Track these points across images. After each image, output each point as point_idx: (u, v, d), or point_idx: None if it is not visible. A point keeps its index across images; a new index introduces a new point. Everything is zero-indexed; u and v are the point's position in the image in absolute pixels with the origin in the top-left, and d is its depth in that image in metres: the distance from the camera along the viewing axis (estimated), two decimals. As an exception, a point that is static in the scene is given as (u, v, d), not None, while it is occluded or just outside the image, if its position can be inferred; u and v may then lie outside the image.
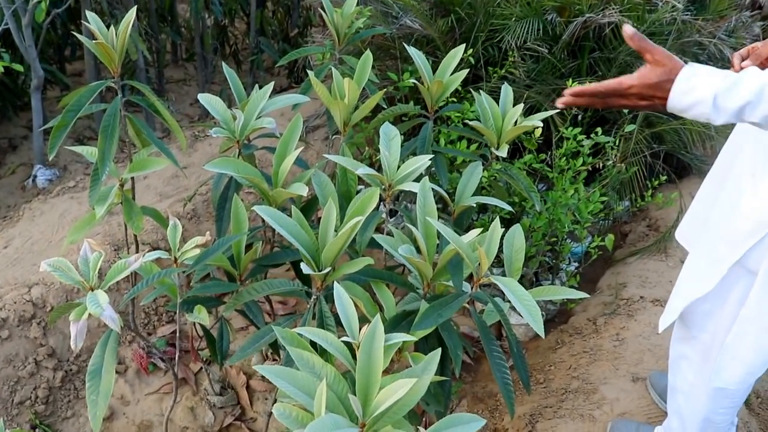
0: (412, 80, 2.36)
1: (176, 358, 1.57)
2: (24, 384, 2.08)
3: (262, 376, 2.29)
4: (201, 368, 2.24)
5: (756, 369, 1.43)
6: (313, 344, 1.38)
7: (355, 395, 1.15)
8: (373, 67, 2.29)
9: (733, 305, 1.41)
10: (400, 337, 1.25)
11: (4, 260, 2.33)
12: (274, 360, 2.30)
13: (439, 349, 1.26)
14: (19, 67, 2.55)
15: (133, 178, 1.88)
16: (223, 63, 2.22)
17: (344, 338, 1.25)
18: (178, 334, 1.61)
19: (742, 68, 1.29)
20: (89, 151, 1.83)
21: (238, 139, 2.01)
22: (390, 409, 1.14)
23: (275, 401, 1.89)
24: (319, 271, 1.44)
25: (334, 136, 2.08)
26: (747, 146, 1.42)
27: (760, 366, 1.43)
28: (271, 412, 1.90)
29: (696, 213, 1.66)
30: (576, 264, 2.83)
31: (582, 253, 2.86)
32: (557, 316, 2.71)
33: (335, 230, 1.51)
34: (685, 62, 1.16)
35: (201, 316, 1.68)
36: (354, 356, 1.25)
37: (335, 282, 1.32)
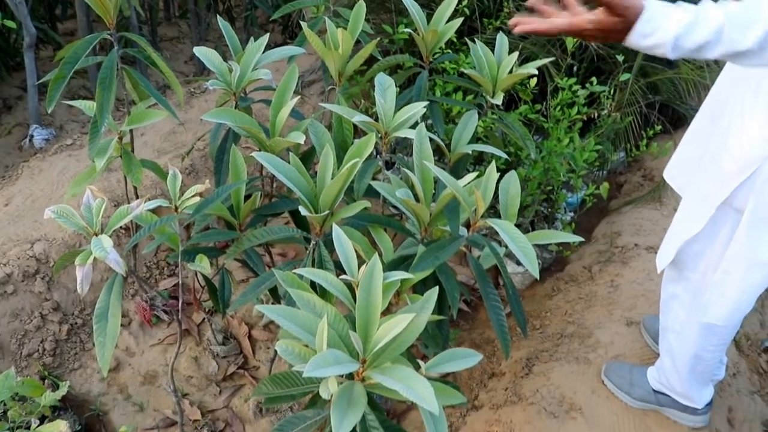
0: (408, 30, 2.35)
1: (180, 308, 1.60)
2: (31, 337, 2.12)
3: (264, 326, 2.33)
4: (204, 319, 2.28)
5: (742, 305, 1.47)
6: (314, 287, 1.42)
7: (355, 332, 1.18)
8: (368, 20, 2.28)
9: (722, 244, 1.44)
10: (397, 275, 1.29)
11: (6, 218, 2.35)
12: (275, 310, 2.34)
13: (437, 288, 1.29)
14: (12, 24, 2.54)
15: (131, 132, 1.90)
16: (218, 17, 2.22)
17: (343, 277, 1.28)
18: (181, 284, 1.64)
19: None
20: (87, 105, 1.84)
21: (234, 92, 2.02)
22: (389, 344, 1.18)
23: (273, 358, 1.94)
24: (318, 214, 1.46)
25: (329, 89, 2.08)
26: (734, 87, 1.44)
27: (746, 302, 1.46)
28: (273, 359, 1.95)
29: (684, 153, 1.67)
30: (571, 214, 2.86)
31: (577, 203, 2.88)
32: (553, 264, 2.75)
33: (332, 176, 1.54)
34: None
35: (203, 264, 1.70)
36: (354, 297, 1.29)
37: (334, 224, 1.35)
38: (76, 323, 2.21)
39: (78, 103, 1.82)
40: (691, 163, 1.62)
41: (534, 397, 1.93)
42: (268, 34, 2.07)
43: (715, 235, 1.46)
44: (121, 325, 2.24)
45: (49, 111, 1.61)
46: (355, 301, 1.24)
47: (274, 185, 2.18)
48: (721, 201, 1.38)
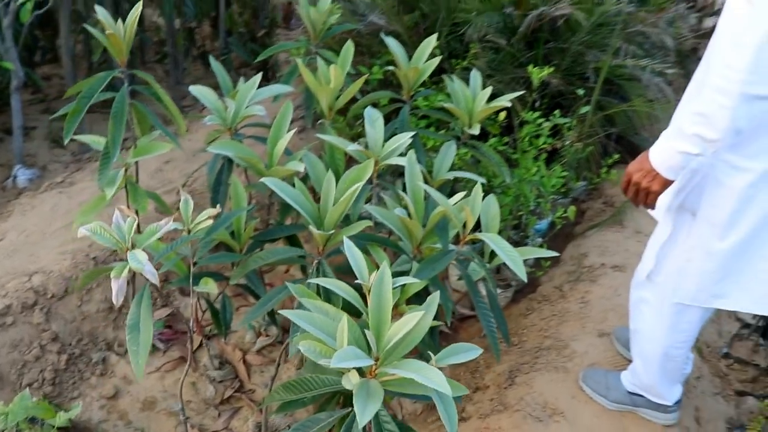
0: (391, 68, 2.53)
1: (190, 330, 1.70)
2: (30, 367, 2.18)
3: (257, 351, 2.43)
4: (200, 345, 2.37)
5: (703, 286, 1.65)
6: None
7: (369, 331, 1.31)
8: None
9: (682, 245, 1.65)
10: (404, 280, 1.43)
11: (2, 252, 2.42)
12: (266, 336, 2.44)
13: (438, 291, 1.43)
14: (10, 66, 2.64)
15: (137, 163, 2.01)
16: (211, 58, 2.37)
17: (357, 281, 1.41)
18: (193, 305, 1.74)
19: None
20: (94, 140, 1.96)
21: (230, 127, 2.16)
22: (401, 341, 1.31)
23: (274, 376, 2.04)
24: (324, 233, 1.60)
25: (319, 122, 2.23)
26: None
27: (707, 283, 1.65)
28: (275, 376, 2.05)
29: None
30: (540, 239, 3.04)
31: (545, 229, 3.07)
32: (525, 287, 2.91)
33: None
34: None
35: (209, 286, 1.81)
36: (364, 302, 1.42)
37: (345, 237, 1.48)
38: (74, 353, 2.27)
39: (86, 138, 1.94)
40: None
41: (519, 404, 2.07)
42: (260, 73, 2.21)
43: (676, 238, 1.66)
44: (118, 354, 2.33)
45: (65, 143, 1.72)
46: (366, 305, 1.37)
47: (270, 211, 2.31)
48: (677, 206, 1.60)
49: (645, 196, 1.56)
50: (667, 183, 1.51)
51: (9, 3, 2.72)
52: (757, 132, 1.43)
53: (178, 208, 1.66)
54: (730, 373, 2.40)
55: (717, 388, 2.27)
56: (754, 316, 2.61)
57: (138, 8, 1.78)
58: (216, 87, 2.23)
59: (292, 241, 2.06)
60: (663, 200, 1.65)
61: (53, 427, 1.77)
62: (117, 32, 1.75)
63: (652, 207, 1.58)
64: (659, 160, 1.49)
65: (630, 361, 2.05)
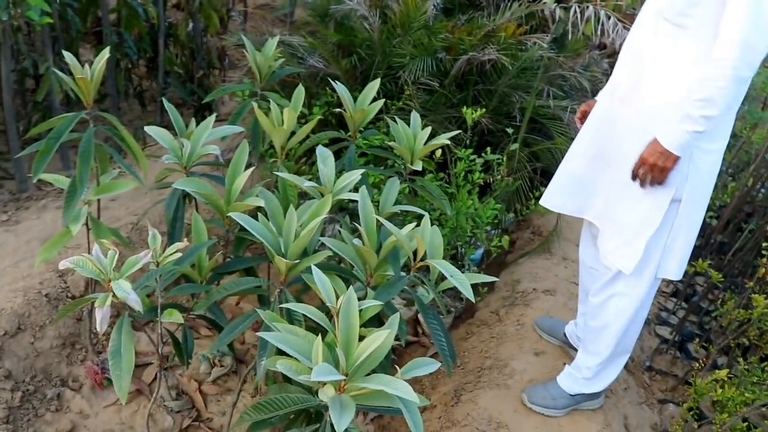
0: (340, 110, 2.69)
1: (159, 359, 1.78)
2: (-16, 405, 2.18)
3: (212, 381, 2.50)
4: (154, 378, 2.42)
5: (685, 259, 1.99)
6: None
7: (337, 350, 1.44)
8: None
9: (667, 229, 1.92)
10: (368, 303, 1.57)
11: (-51, 292, 2.41)
12: (221, 366, 2.51)
13: (398, 313, 1.58)
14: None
15: (99, 201, 2.08)
16: (164, 99, 2.47)
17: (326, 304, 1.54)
18: (159, 335, 1.82)
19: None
20: (57, 179, 2.02)
21: (185, 165, 2.26)
22: (368, 359, 1.44)
23: (235, 402, 2.12)
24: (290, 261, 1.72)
25: (272, 160, 2.36)
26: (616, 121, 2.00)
27: (685, 259, 1.99)
28: (235, 402, 2.13)
29: (568, 183, 2.17)
30: (475, 269, 3.24)
31: (479, 258, 3.28)
32: (463, 313, 3.09)
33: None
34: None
35: (174, 317, 1.89)
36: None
37: (312, 265, 1.61)
38: (28, 390, 2.28)
39: (49, 177, 2.00)
40: (592, 193, 2.10)
41: (466, 419, 2.22)
42: (214, 114, 2.33)
43: (664, 226, 1.93)
44: (72, 389, 2.36)
45: (35, 180, 1.79)
46: (332, 324, 1.51)
47: (228, 246, 2.40)
48: (671, 198, 1.87)
49: (659, 173, 1.84)
50: (677, 159, 1.81)
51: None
52: (720, 119, 1.78)
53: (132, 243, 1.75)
54: (652, 383, 2.63)
55: (642, 397, 2.49)
56: (671, 331, 2.87)
57: (105, 53, 1.88)
58: (152, 125, 2.31)
59: (249, 272, 2.17)
60: (650, 193, 1.90)
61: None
62: (86, 75, 1.84)
63: (661, 183, 1.86)
64: (672, 142, 1.79)
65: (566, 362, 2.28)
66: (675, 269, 1.99)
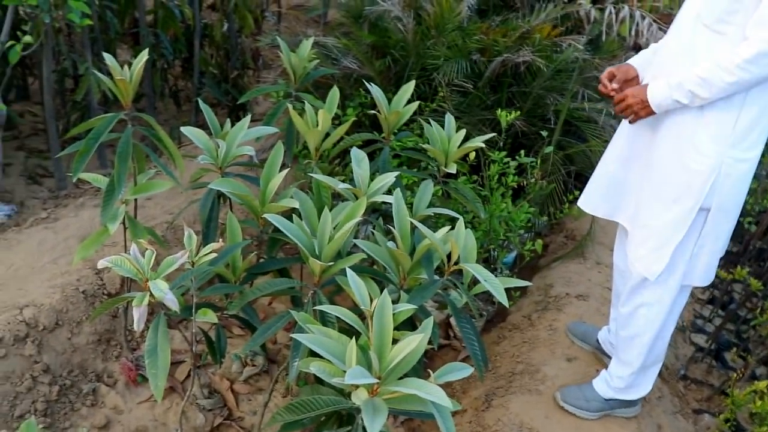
0: (374, 112, 2.69)
1: (193, 355, 1.80)
2: (23, 399, 2.22)
3: (244, 380, 2.52)
4: (187, 375, 2.45)
5: (712, 268, 1.99)
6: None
7: (371, 353, 1.44)
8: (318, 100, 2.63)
9: (695, 237, 1.91)
10: (402, 307, 1.56)
11: (-10, 287, 2.47)
12: (253, 365, 2.53)
13: (432, 317, 1.58)
14: (1, 106, 2.72)
15: (135, 200, 2.11)
16: (199, 99, 2.49)
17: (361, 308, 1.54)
18: (194, 334, 1.84)
19: (613, 89, 2.04)
20: (95, 178, 2.06)
21: (221, 166, 2.27)
22: (401, 362, 1.44)
23: (267, 402, 2.14)
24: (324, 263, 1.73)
25: (306, 162, 2.37)
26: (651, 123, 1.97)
27: (713, 266, 1.99)
28: (267, 402, 2.14)
29: (602, 185, 2.17)
30: (507, 272, 3.22)
31: (511, 262, 3.25)
32: (495, 317, 3.07)
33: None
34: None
35: (208, 316, 1.91)
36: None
37: (347, 267, 1.61)
38: (65, 384, 2.32)
39: (88, 176, 2.03)
40: (624, 197, 2.09)
41: (497, 425, 2.21)
42: (249, 115, 2.35)
43: (690, 235, 1.91)
44: (107, 385, 2.40)
45: (74, 179, 1.82)
46: (366, 327, 1.51)
47: (261, 246, 2.41)
48: (699, 207, 1.85)
49: (632, 114, 1.92)
50: (651, 113, 1.88)
51: (-6, 44, 2.81)
52: (750, 129, 1.79)
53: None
54: (687, 393, 2.59)
55: (676, 407, 2.45)
56: (707, 339, 2.82)
57: (144, 55, 1.90)
58: (187, 125, 2.34)
59: (282, 273, 2.18)
60: (677, 201, 1.89)
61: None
62: (125, 77, 1.87)
63: (632, 122, 1.96)
64: (656, 100, 1.85)
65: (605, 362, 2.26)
66: (701, 277, 1.99)
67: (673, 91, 1.80)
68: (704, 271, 1.97)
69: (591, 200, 2.21)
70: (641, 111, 1.89)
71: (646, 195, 1.99)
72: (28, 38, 2.72)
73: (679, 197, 1.88)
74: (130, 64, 2.00)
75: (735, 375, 2.49)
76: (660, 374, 2.57)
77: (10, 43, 2.73)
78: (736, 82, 1.70)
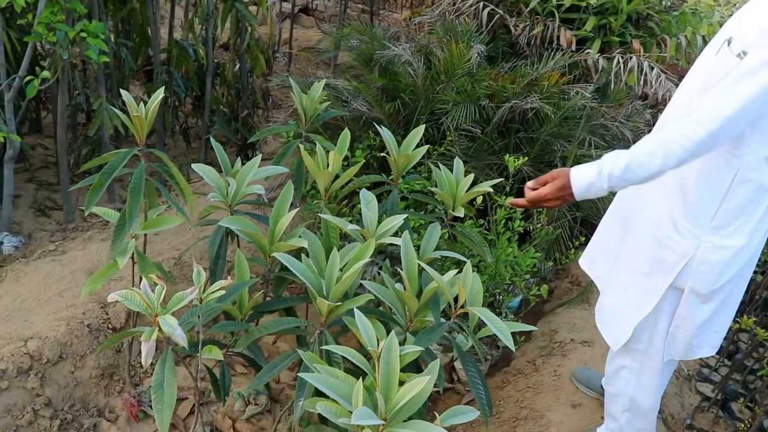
0: (383, 154, 2.71)
1: (197, 392, 1.79)
2: (23, 432, 2.21)
3: (246, 419, 2.49)
4: (189, 413, 2.43)
5: (689, 342, 1.87)
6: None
7: (377, 394, 1.44)
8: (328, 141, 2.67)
9: (663, 316, 1.86)
10: (408, 349, 1.56)
11: (-4, 318, 2.47)
12: (256, 404, 2.51)
13: (438, 359, 1.58)
14: (17, 138, 2.76)
15: (145, 235, 2.13)
16: (210, 138, 2.53)
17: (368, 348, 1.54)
18: (198, 371, 1.83)
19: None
20: (106, 212, 2.08)
21: (230, 204, 2.30)
22: (407, 404, 1.44)
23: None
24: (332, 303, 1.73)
25: (315, 202, 2.39)
26: (638, 195, 1.90)
27: (691, 339, 1.87)
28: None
29: (597, 249, 2.16)
30: (512, 317, 3.21)
31: (516, 307, 3.25)
32: (499, 361, 3.06)
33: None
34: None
35: (214, 353, 1.91)
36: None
37: (355, 308, 1.62)
38: (66, 419, 2.31)
39: (99, 211, 2.05)
40: (605, 257, 2.07)
41: (500, 471, 2.18)
42: (260, 154, 2.38)
43: (661, 312, 1.87)
44: (109, 420, 2.38)
45: (86, 213, 1.84)
46: (372, 368, 1.50)
47: (268, 284, 2.42)
48: (668, 286, 1.80)
49: (543, 203, 1.81)
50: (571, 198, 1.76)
51: (15, 78, 2.87)
52: (734, 215, 1.69)
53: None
54: (693, 443, 2.56)
55: (682, 457, 2.42)
56: (714, 389, 2.79)
57: (160, 93, 1.94)
58: (196, 162, 2.37)
59: (289, 312, 2.19)
60: (648, 278, 1.85)
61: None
62: (140, 113, 1.90)
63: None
64: (582, 190, 1.73)
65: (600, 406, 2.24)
66: (680, 352, 1.91)
67: (606, 183, 1.67)
68: (686, 349, 1.89)
69: (586, 256, 2.24)
70: (560, 201, 1.79)
71: (621, 262, 1.98)
72: (46, 73, 2.78)
73: (651, 272, 1.84)
74: (143, 101, 2.04)
75: (742, 426, 2.46)
76: (665, 423, 2.55)
77: (28, 78, 2.78)
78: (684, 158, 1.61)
